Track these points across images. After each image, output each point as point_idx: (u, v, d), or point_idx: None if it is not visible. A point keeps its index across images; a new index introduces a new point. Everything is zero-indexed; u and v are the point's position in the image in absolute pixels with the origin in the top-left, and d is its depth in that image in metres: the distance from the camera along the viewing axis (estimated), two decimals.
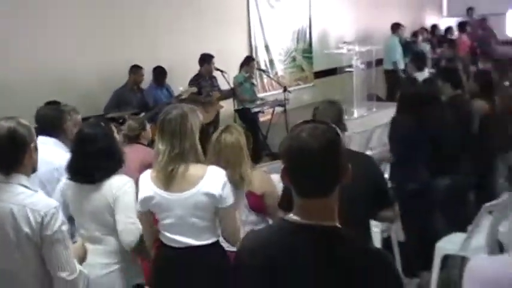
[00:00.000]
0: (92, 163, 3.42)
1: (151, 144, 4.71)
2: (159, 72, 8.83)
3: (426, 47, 12.95)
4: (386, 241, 5.69)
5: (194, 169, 3.26)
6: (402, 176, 5.48)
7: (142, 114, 7.73)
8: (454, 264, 5.54)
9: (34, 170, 3.00)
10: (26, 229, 2.74)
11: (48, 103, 5.15)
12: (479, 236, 5.18)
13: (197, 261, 3.32)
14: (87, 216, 3.46)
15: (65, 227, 2.83)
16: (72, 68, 8.16)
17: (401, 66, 12.30)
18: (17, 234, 2.75)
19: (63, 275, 2.81)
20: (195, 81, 9.12)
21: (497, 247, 5.33)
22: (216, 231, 3.37)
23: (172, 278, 3.37)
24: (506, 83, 6.93)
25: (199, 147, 3.34)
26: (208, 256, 3.33)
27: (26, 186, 2.84)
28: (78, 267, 2.91)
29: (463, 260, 5.32)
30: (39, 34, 7.85)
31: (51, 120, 4.10)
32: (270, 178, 4.04)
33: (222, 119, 9.29)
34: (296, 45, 12.14)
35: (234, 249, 3.19)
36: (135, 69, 8.52)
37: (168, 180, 3.24)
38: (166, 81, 8.94)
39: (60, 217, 2.81)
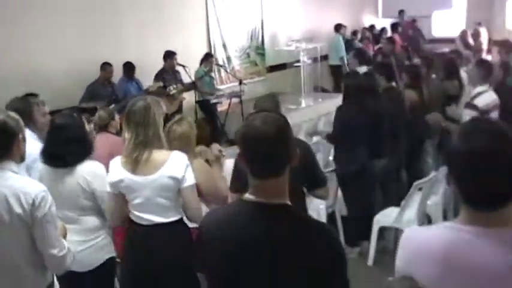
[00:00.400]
0: (64, 149, 3.42)
1: (119, 132, 4.65)
2: (128, 67, 8.76)
3: (360, 45, 13.12)
4: (331, 216, 5.75)
5: (157, 155, 3.23)
6: (344, 158, 5.52)
7: (112, 105, 7.63)
8: (389, 235, 5.63)
9: (22, 159, 2.95)
10: (19, 210, 2.70)
11: (27, 95, 5.08)
12: (411, 210, 5.28)
13: (163, 237, 3.29)
14: (62, 199, 3.40)
15: (53, 208, 2.81)
16: (49, 65, 8.03)
17: (346, 61, 12.44)
18: (10, 215, 2.71)
19: (54, 251, 2.80)
20: (160, 75, 9.05)
21: (426, 219, 5.44)
22: (179, 210, 3.34)
23: (141, 252, 3.33)
24: (433, 76, 7.02)
25: (162, 134, 3.33)
26: (173, 232, 3.31)
27: (15, 172, 2.82)
28: (66, 244, 2.90)
29: (396, 231, 5.42)
30: (16, 35, 7.67)
31: (20, 111, 4.00)
32: (209, 169, 3.94)
33: (184, 110, 9.23)
34: (250, 43, 12.10)
35: (196, 225, 3.17)
36: (105, 66, 8.49)
37: (134, 165, 3.22)
38: (135, 76, 8.87)
39: (50, 199, 2.78)
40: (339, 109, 5.56)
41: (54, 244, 2.79)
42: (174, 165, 3.21)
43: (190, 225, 3.39)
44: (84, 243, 3.48)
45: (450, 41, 14.15)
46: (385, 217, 5.42)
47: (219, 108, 9.98)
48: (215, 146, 4.18)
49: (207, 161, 4.04)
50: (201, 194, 3.76)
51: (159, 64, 9.18)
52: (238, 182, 3.59)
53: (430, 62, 7.06)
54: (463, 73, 6.91)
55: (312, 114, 9.95)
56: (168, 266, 3.27)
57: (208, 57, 9.90)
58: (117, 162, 3.30)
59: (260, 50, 12.34)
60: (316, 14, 13.42)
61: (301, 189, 3.73)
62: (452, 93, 6.59)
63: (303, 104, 11.00)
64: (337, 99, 5.84)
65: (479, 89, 5.75)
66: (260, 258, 1.91)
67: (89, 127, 4.19)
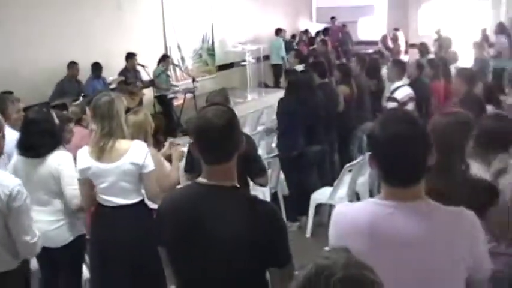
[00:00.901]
0: (37, 141, 3.36)
1: None
2: (96, 67, 8.61)
3: (295, 47, 13.22)
4: (274, 195, 5.79)
5: (120, 144, 3.21)
6: (286, 144, 5.56)
7: (80, 99, 7.46)
8: (324, 211, 5.71)
9: (0, 154, 2.89)
10: None
11: (3, 93, 4.95)
12: (342, 189, 5.37)
13: (126, 216, 3.28)
14: (35, 184, 3.34)
15: (28, 200, 2.76)
16: (20, 64, 7.83)
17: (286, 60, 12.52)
18: None
19: (27, 238, 2.76)
20: (122, 74, 9.00)
21: (355, 197, 5.55)
22: (140, 193, 3.32)
23: (107, 230, 3.32)
24: (363, 73, 7.11)
25: (124, 126, 3.30)
26: (135, 212, 3.30)
27: None
28: (37, 232, 2.85)
29: (330, 207, 5.50)
30: None
31: None
32: (160, 158, 3.81)
33: (144, 104, 9.16)
34: (202, 45, 12.03)
35: (156, 206, 3.14)
36: (72, 65, 8.31)
37: (100, 153, 3.19)
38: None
39: (25, 192, 2.72)
40: (281, 101, 5.60)
41: (28, 232, 2.76)
42: (135, 153, 3.20)
43: (151, 205, 3.36)
44: (56, 223, 3.44)
45: (373, 43, 14.45)
46: (321, 195, 5.50)
47: (175, 102, 9.95)
48: (179, 147, 4.05)
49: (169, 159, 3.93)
50: None
51: (122, 64, 9.09)
52: (191, 166, 3.61)
53: (363, 61, 7.13)
54: (385, 70, 7.04)
55: (257, 107, 10.01)
56: (131, 242, 3.25)
57: (165, 58, 9.87)
58: (84, 151, 3.27)
59: (211, 51, 12.30)
60: (259, 19, 13.47)
61: (246, 178, 3.75)
62: (373, 89, 6.75)
63: (249, 98, 11.08)
64: (279, 93, 5.88)
65: (396, 84, 5.92)
66: (212, 233, 1.91)
67: (69, 126, 4.08)
